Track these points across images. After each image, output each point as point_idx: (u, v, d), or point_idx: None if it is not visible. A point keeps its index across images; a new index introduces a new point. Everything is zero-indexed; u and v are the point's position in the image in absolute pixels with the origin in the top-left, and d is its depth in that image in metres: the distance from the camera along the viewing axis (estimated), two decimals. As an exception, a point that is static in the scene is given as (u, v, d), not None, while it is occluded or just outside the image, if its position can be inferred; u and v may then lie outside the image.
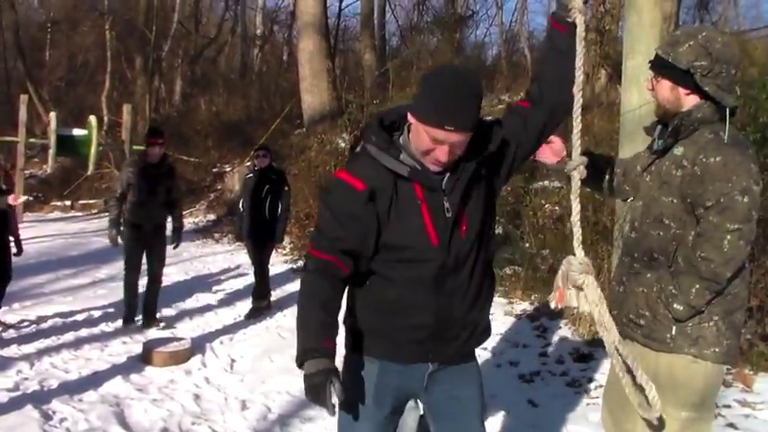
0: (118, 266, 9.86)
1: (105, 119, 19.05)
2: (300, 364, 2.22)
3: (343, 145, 13.80)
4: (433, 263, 2.39)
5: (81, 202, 17.08)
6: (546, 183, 11.08)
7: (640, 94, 6.27)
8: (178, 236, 7.47)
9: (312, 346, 2.23)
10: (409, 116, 2.33)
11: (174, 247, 7.42)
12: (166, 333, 6.84)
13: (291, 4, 29.21)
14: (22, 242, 7.18)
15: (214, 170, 16.77)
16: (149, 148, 6.97)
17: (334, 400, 2.14)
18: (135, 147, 13.75)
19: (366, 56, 19.73)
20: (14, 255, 7.04)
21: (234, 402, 5.21)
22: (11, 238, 6.96)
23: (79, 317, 7.36)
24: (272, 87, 21.48)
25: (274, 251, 8.34)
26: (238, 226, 8.04)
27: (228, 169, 16.63)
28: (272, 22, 29.35)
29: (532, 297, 8.09)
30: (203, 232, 12.91)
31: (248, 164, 15.02)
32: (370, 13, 19.99)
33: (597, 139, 11.96)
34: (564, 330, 7.05)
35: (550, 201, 10.53)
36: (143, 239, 7.10)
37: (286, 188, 7.93)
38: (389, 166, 2.32)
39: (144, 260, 7.27)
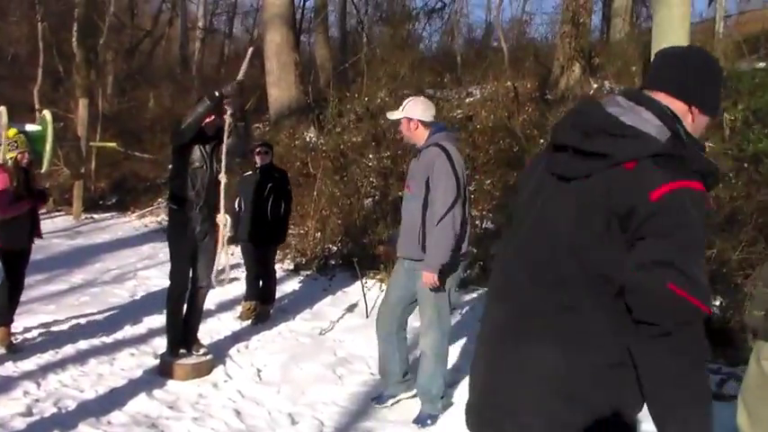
0: (91, 270, 9.35)
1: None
2: None
3: (314, 140, 13.39)
4: None
5: (27, 202, 16.21)
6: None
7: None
8: None
9: None
10: (693, 109, 1.97)
11: None
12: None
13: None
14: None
15: (170, 166, 16.05)
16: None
17: None
18: (93, 143, 13.03)
19: (320, 51, 19.21)
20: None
21: (280, 417, 4.81)
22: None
23: (70, 328, 6.76)
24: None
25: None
26: (234, 227, 7.51)
27: (185, 166, 15.97)
28: (212, 15, 28.61)
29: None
30: (171, 232, 12.30)
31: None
32: (323, 5, 19.48)
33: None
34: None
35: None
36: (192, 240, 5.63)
37: (288, 187, 7.53)
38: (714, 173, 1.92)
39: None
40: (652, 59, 2.26)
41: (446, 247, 4.45)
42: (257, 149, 7.40)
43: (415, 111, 4.65)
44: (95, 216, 13.91)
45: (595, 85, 12.68)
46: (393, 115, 4.81)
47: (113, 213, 14.38)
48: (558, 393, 1.87)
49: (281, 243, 7.75)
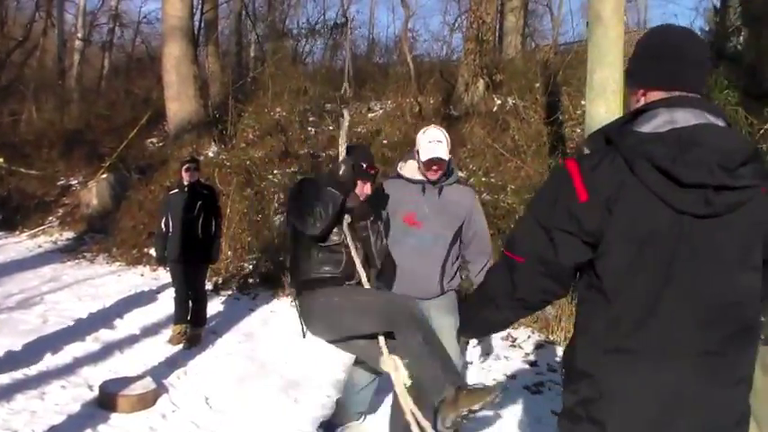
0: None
1: None
2: None
3: (217, 155, 13.05)
4: None
5: None
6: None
7: (608, 106, 6.34)
8: None
9: None
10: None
11: None
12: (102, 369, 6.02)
13: (114, 7, 27.65)
14: None
15: (59, 183, 15.31)
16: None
17: None
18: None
19: (212, 65, 18.64)
20: None
21: (244, 447, 4.61)
22: None
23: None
24: (122, 94, 19.95)
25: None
26: (161, 248, 7.17)
27: (75, 182, 15.27)
28: (91, 26, 27.45)
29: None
30: (69, 252, 11.65)
31: (105, 176, 13.89)
32: (215, 18, 19.03)
33: (474, 147, 12.10)
34: (535, 337, 7.01)
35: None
36: None
37: (218, 204, 7.34)
38: None
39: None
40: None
41: None
42: (186, 166, 7.09)
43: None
44: (-19, 236, 13.02)
45: (498, 102, 12.97)
46: (441, 152, 4.12)
47: (0, 233, 13.50)
48: None
49: (214, 262, 7.50)
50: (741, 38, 11.23)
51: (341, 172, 3.83)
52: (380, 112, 14.54)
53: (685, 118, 1.88)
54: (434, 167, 4.14)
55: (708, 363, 1.89)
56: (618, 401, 1.92)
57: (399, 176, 4.35)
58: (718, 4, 14.23)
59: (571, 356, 2.06)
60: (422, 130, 4.31)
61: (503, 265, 2.12)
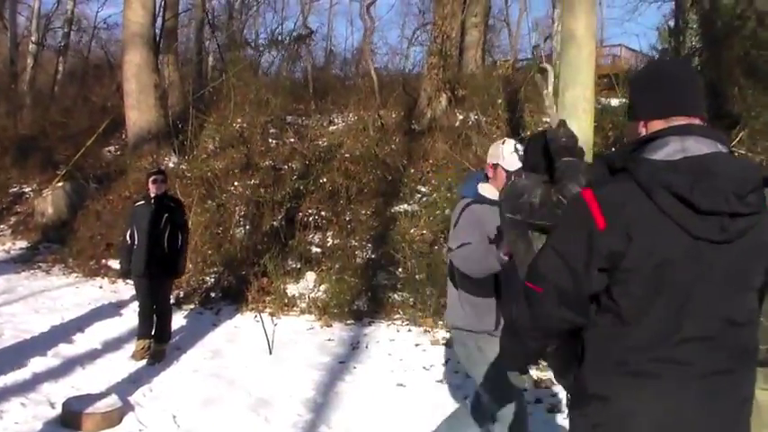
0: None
1: None
2: None
3: (177, 166, 12.86)
4: None
5: None
6: (406, 206, 11.01)
7: (579, 125, 6.39)
8: None
9: None
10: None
11: None
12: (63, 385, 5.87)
13: (69, 11, 27.18)
14: None
15: (12, 190, 14.95)
16: None
17: None
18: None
19: (170, 74, 18.32)
20: None
21: (215, 468, 4.52)
22: None
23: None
24: (79, 101, 19.53)
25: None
26: (126, 261, 7.02)
27: (29, 190, 14.93)
28: (45, 29, 26.94)
29: (439, 324, 7.89)
30: (23, 262, 11.35)
31: (60, 184, 13.60)
32: (174, 27, 18.80)
33: (437, 161, 12.14)
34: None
35: (417, 225, 10.40)
36: None
37: (185, 217, 7.23)
38: None
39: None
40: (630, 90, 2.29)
41: None
42: (153, 178, 6.95)
43: None
44: (-73, 246, 12.62)
45: (461, 117, 13.04)
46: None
47: (-52, 243, 13.09)
48: None
49: (180, 276, 7.37)
50: (698, 59, 11.45)
51: (564, 137, 2.76)
52: (342, 125, 14.50)
53: (697, 147, 1.94)
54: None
55: (716, 382, 1.94)
56: (630, 423, 1.96)
57: (482, 199, 3.84)
58: (673, 25, 14.54)
59: (581, 380, 2.09)
60: (499, 142, 3.88)
61: (522, 295, 2.15)
